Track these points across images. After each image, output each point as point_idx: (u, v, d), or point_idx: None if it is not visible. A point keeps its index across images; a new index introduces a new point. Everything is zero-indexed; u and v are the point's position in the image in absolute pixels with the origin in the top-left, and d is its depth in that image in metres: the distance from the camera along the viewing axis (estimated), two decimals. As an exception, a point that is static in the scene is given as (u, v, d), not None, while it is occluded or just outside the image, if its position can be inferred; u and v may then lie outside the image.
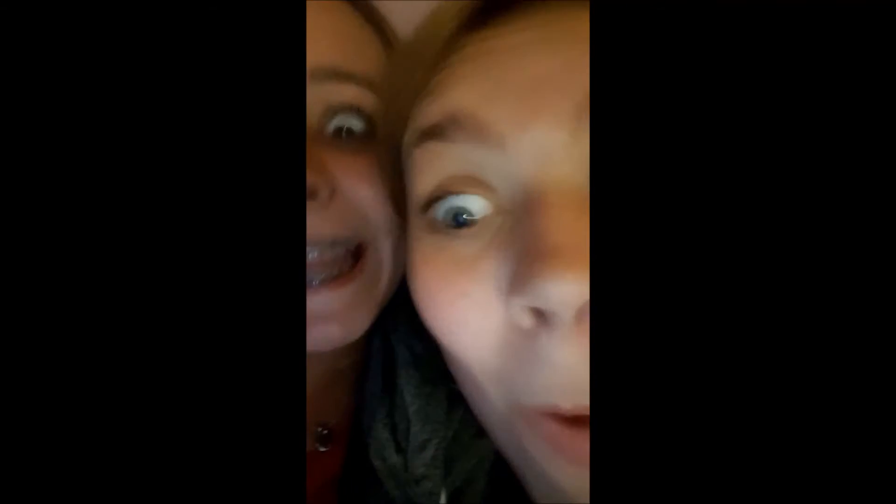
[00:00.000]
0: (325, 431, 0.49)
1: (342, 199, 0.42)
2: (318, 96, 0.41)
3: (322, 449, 0.48)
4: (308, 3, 0.37)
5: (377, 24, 0.47)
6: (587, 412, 0.28)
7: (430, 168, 0.33)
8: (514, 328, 0.30)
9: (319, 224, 0.41)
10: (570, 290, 0.26)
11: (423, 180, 0.33)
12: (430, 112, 0.33)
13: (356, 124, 0.43)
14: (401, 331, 0.47)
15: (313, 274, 0.43)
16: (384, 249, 0.45)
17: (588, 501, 0.29)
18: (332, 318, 0.43)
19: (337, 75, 0.42)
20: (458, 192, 0.32)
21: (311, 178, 0.39)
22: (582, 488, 0.29)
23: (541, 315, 0.28)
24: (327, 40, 0.42)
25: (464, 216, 0.32)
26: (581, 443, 0.29)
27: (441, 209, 0.33)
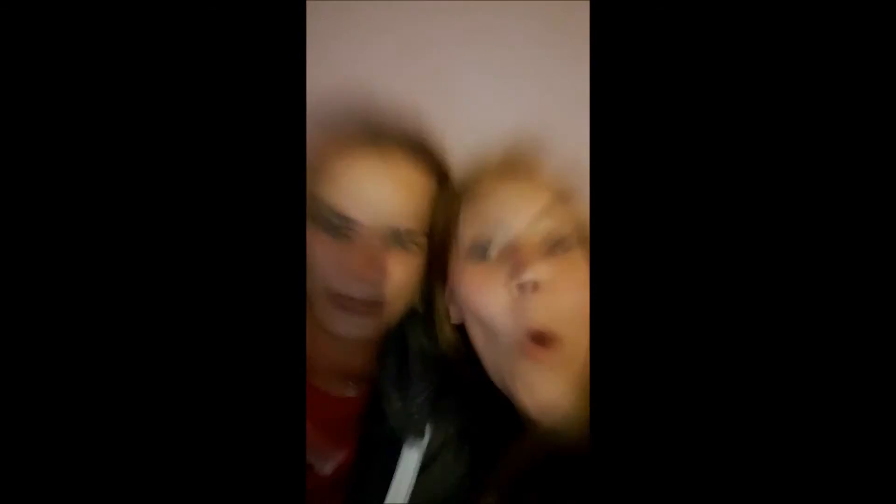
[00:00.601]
0: (352, 383, 0.73)
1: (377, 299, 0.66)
2: (385, 232, 0.64)
3: (351, 395, 0.72)
4: (392, 164, 0.65)
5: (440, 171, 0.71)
6: (548, 329, 0.54)
7: (469, 232, 0.61)
8: (510, 297, 0.56)
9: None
10: (534, 275, 0.53)
11: (468, 236, 0.62)
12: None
13: (407, 244, 0.67)
14: (416, 328, 0.71)
15: None
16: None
17: (546, 393, 0.53)
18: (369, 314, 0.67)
19: (409, 232, 0.66)
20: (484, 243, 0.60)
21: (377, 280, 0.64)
22: (540, 381, 0.54)
23: (522, 287, 0.54)
24: (406, 206, 0.65)
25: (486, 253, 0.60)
26: (541, 351, 0.53)
27: (476, 250, 0.60)
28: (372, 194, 0.64)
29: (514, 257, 0.57)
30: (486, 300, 0.58)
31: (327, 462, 0.66)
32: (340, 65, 1.07)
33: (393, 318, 0.69)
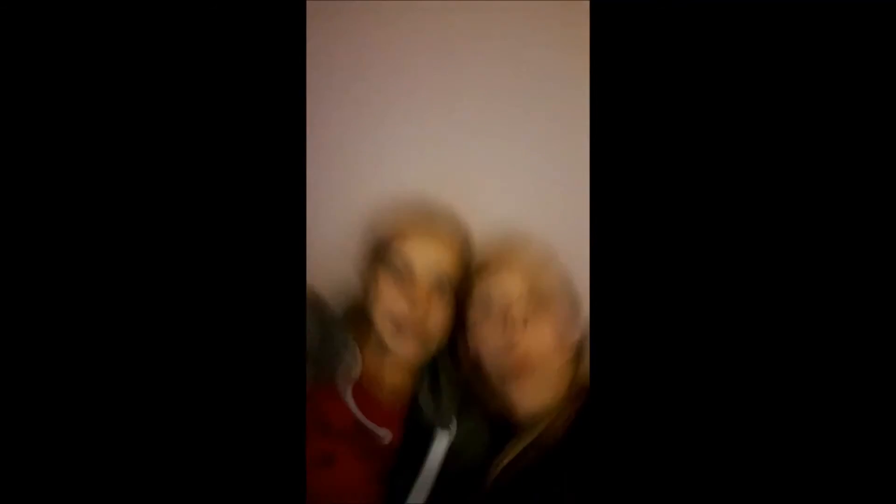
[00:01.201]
0: (396, 397, 1.00)
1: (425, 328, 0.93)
2: (432, 278, 0.92)
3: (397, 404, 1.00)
4: (435, 232, 0.94)
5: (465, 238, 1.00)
6: (529, 360, 0.88)
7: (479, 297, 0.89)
8: (505, 341, 0.90)
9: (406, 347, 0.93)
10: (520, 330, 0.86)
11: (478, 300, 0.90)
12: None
13: (446, 290, 0.94)
14: (445, 359, 0.98)
15: None
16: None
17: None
18: None
19: (445, 275, 0.94)
20: None
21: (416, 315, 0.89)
22: (526, 394, 0.89)
23: (513, 336, 0.88)
24: (448, 259, 0.94)
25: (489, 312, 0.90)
26: (525, 374, 0.87)
27: (483, 308, 0.91)
28: (427, 253, 0.93)
29: (507, 317, 0.88)
30: (489, 343, 0.90)
31: (385, 436, 0.95)
32: (340, 65, 1.15)
33: (431, 345, 0.96)
